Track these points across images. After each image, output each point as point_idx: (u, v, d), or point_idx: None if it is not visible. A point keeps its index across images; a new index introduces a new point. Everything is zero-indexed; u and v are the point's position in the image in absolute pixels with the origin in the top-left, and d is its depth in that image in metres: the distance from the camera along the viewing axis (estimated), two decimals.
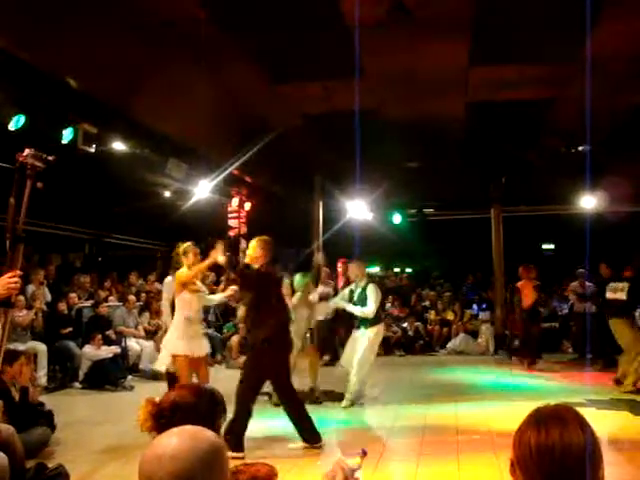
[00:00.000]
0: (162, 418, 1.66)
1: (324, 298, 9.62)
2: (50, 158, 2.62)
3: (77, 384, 8.70)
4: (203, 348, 5.88)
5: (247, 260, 5.64)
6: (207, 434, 1.33)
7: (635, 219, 13.83)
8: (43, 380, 8.06)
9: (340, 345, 11.18)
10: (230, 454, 4.54)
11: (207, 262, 5.90)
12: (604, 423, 6.12)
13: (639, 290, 8.17)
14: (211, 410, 1.67)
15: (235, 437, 4.94)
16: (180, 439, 1.29)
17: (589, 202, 12.36)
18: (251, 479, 1.91)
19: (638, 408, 6.86)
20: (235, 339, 11.05)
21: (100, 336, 9.03)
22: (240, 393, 5.23)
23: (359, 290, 7.56)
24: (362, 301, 7.42)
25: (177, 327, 5.80)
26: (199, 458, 1.25)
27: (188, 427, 1.34)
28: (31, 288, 9.01)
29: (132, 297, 10.41)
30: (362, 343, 7.39)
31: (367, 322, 7.42)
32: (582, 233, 11.50)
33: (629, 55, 7.18)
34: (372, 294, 7.42)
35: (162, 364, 6.06)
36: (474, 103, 9.03)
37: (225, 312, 12.10)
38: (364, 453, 1.84)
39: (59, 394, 8.18)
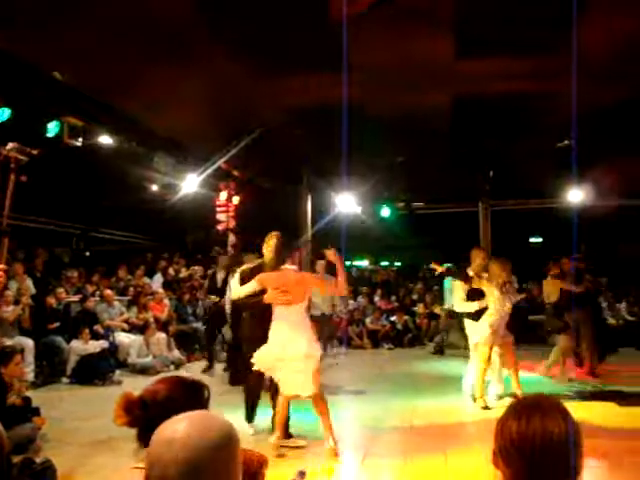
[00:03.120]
0: (132, 413, 1.64)
1: None
2: (34, 152, 2.60)
3: (65, 379, 8.67)
4: None
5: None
6: (217, 422, 1.30)
7: (621, 212, 13.98)
8: (30, 375, 8.02)
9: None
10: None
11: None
12: (587, 413, 6.19)
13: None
14: (192, 403, 1.65)
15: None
16: (189, 425, 1.26)
17: (576, 196, 12.48)
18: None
19: (622, 398, 6.96)
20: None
21: (88, 330, 9.00)
22: None
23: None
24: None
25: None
26: (207, 447, 1.23)
27: (197, 413, 1.32)
28: (14, 283, 8.90)
29: (108, 291, 10.32)
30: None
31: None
32: (569, 226, 11.60)
33: (615, 49, 7.22)
34: None
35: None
36: (461, 97, 9.05)
37: None
38: (302, 475, 1.84)
39: (46, 389, 8.15)
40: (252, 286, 5.17)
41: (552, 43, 7.04)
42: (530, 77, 8.31)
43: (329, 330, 11.19)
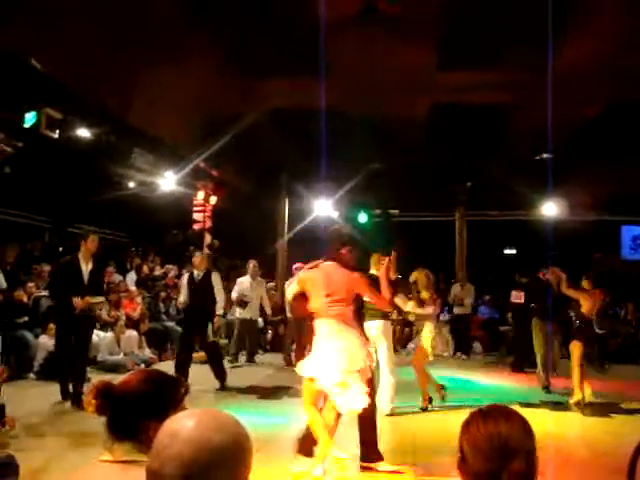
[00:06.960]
0: (96, 399, 1.64)
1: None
2: (19, 144, 2.57)
3: (32, 375, 8.51)
4: None
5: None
6: (230, 424, 1.21)
7: (592, 227, 14.25)
8: None
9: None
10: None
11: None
12: (552, 422, 6.28)
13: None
14: (161, 399, 1.63)
15: None
16: (199, 422, 1.18)
17: (550, 209, 12.69)
18: None
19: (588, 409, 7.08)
20: None
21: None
22: None
23: None
24: None
25: None
26: (213, 449, 1.14)
27: (211, 411, 1.23)
28: None
29: None
30: None
31: None
32: (542, 239, 11.78)
33: (590, 68, 7.37)
34: None
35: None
36: (440, 107, 9.14)
37: None
38: None
39: (12, 385, 7.97)
40: None
41: (532, 58, 7.16)
42: (509, 90, 8.43)
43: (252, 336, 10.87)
